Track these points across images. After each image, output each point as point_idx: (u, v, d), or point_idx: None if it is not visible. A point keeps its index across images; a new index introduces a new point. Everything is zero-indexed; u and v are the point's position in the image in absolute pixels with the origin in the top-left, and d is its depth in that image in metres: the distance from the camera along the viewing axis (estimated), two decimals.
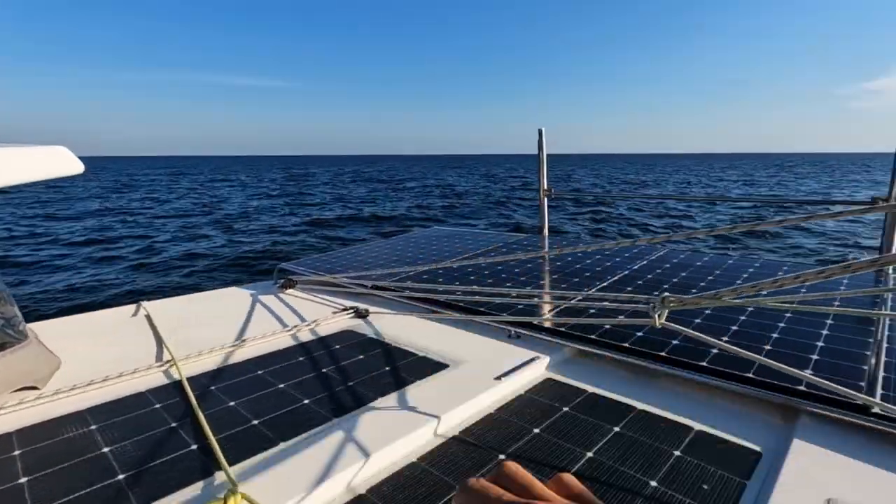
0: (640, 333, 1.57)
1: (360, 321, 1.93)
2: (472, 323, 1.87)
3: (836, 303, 1.86)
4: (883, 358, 1.35)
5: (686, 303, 1.00)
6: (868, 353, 1.39)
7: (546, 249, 3.12)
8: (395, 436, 1.08)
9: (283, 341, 1.72)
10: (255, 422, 1.17)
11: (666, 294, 1.02)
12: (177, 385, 1.38)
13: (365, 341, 1.69)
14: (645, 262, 2.60)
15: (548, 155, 3.80)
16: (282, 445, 1.07)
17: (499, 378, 1.36)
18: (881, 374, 1.26)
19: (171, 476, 0.96)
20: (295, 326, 1.84)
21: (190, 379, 1.41)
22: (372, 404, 1.24)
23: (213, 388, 1.36)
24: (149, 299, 2.29)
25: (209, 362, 1.54)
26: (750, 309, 1.78)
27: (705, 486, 0.92)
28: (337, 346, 1.65)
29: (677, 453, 1.03)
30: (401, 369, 1.45)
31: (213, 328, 1.89)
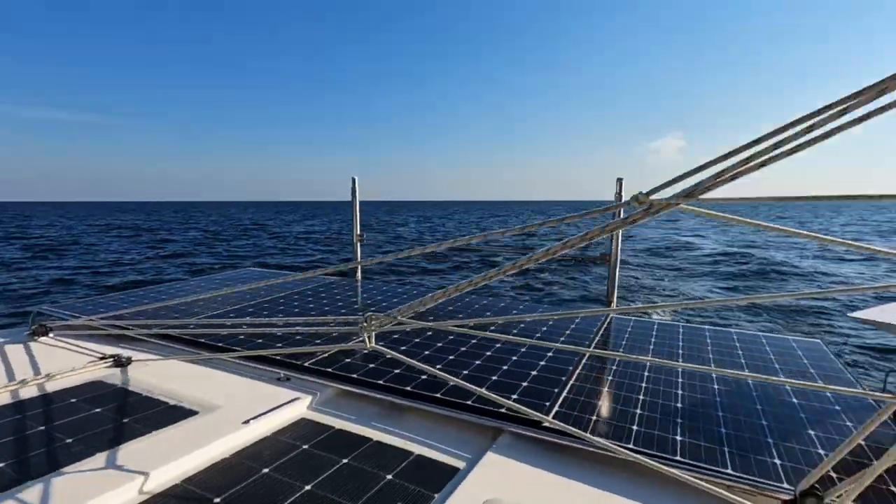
0: (396, 371, 1.75)
1: (115, 370, 1.78)
2: (245, 366, 1.86)
3: (562, 339, 2.30)
4: (570, 383, 1.72)
5: (387, 322, 1.15)
6: (564, 378, 1.76)
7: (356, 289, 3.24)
8: (92, 495, 1.03)
9: (5, 397, 1.50)
10: None
11: (371, 313, 1.18)
12: None
13: (112, 393, 1.57)
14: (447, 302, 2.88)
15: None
16: None
17: (247, 422, 1.38)
18: (563, 395, 1.61)
19: None
20: (30, 380, 1.61)
21: None
22: (79, 464, 1.16)
23: None
24: None
25: None
26: (498, 345, 2.11)
27: (400, 503, 1.08)
28: (74, 400, 1.49)
29: (389, 477, 1.18)
30: (141, 421, 1.38)
31: None
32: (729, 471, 1.19)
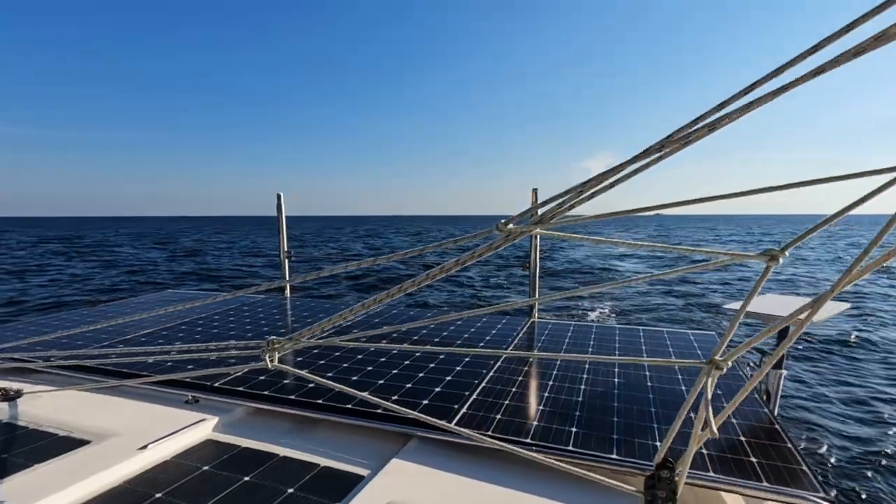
0: (311, 385, 1.74)
1: (1, 405, 1.65)
2: (150, 391, 1.79)
3: (481, 344, 2.37)
4: (482, 385, 1.79)
5: (289, 344, 1.17)
6: (476, 381, 1.82)
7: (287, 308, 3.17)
8: None
9: None
10: None
11: (273, 338, 1.19)
12: None
13: None
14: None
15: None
16: None
17: (144, 448, 1.33)
18: (472, 398, 1.67)
19: None
20: None
21: None
22: None
23: None
24: None
25: None
26: (417, 354, 2.15)
27: None
28: None
29: (291, 490, 1.18)
30: (23, 455, 1.29)
31: None
32: (614, 456, 1.29)
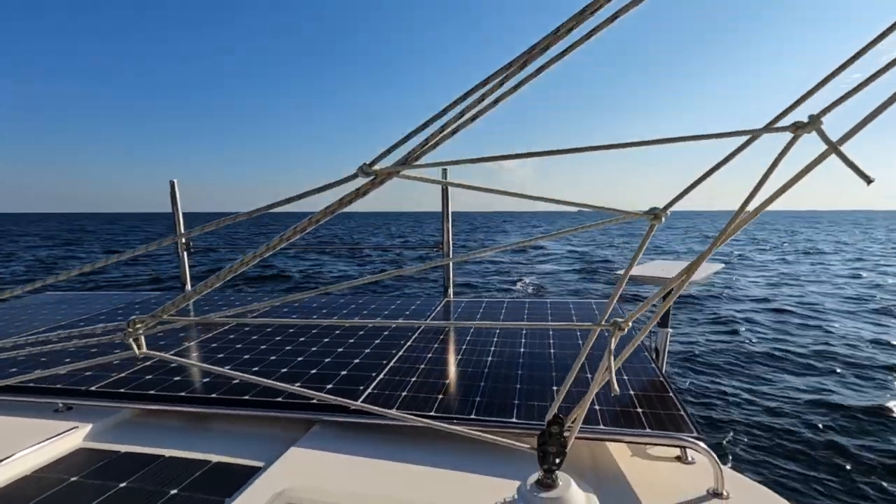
0: (206, 380, 1.62)
1: None
2: (13, 402, 1.57)
3: (394, 324, 2.35)
4: (390, 364, 1.77)
5: (153, 322, 1.06)
6: (385, 361, 1.80)
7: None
8: None
9: None
10: None
11: (135, 317, 1.07)
12: None
13: None
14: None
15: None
16: None
17: None
18: (380, 377, 1.64)
19: None
20: None
21: None
22: None
23: None
24: None
25: None
26: (326, 339, 2.07)
27: None
28: None
29: (174, 492, 1.08)
30: None
31: None
32: (514, 420, 1.32)
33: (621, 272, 0.85)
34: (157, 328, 1.06)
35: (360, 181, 0.78)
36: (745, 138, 0.69)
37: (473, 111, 0.73)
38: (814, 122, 0.63)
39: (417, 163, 0.74)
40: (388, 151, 0.76)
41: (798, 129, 0.64)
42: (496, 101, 0.73)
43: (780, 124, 0.65)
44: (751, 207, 0.70)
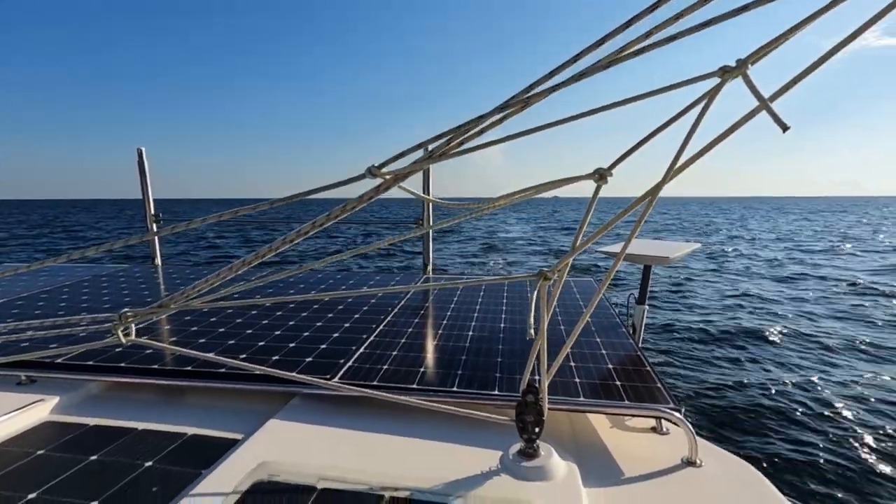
0: (186, 351, 1.57)
1: None
2: None
3: (373, 301, 2.32)
4: (370, 339, 1.75)
5: (144, 314, 1.03)
6: (365, 336, 1.78)
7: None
8: None
9: None
10: None
11: (126, 310, 1.04)
12: None
13: None
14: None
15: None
16: None
17: None
18: (360, 351, 1.63)
19: None
20: None
21: None
22: None
23: None
24: None
25: None
26: (304, 314, 2.04)
27: (154, 489, 0.97)
28: None
29: (149, 464, 1.05)
30: None
31: None
32: (495, 392, 1.33)
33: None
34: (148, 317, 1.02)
35: (368, 182, 0.76)
36: (682, 92, 0.69)
37: (473, 131, 0.73)
38: (741, 67, 0.62)
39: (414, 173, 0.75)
40: (395, 158, 0.74)
41: (726, 73, 0.63)
42: (482, 132, 0.73)
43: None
44: (681, 161, 0.71)
